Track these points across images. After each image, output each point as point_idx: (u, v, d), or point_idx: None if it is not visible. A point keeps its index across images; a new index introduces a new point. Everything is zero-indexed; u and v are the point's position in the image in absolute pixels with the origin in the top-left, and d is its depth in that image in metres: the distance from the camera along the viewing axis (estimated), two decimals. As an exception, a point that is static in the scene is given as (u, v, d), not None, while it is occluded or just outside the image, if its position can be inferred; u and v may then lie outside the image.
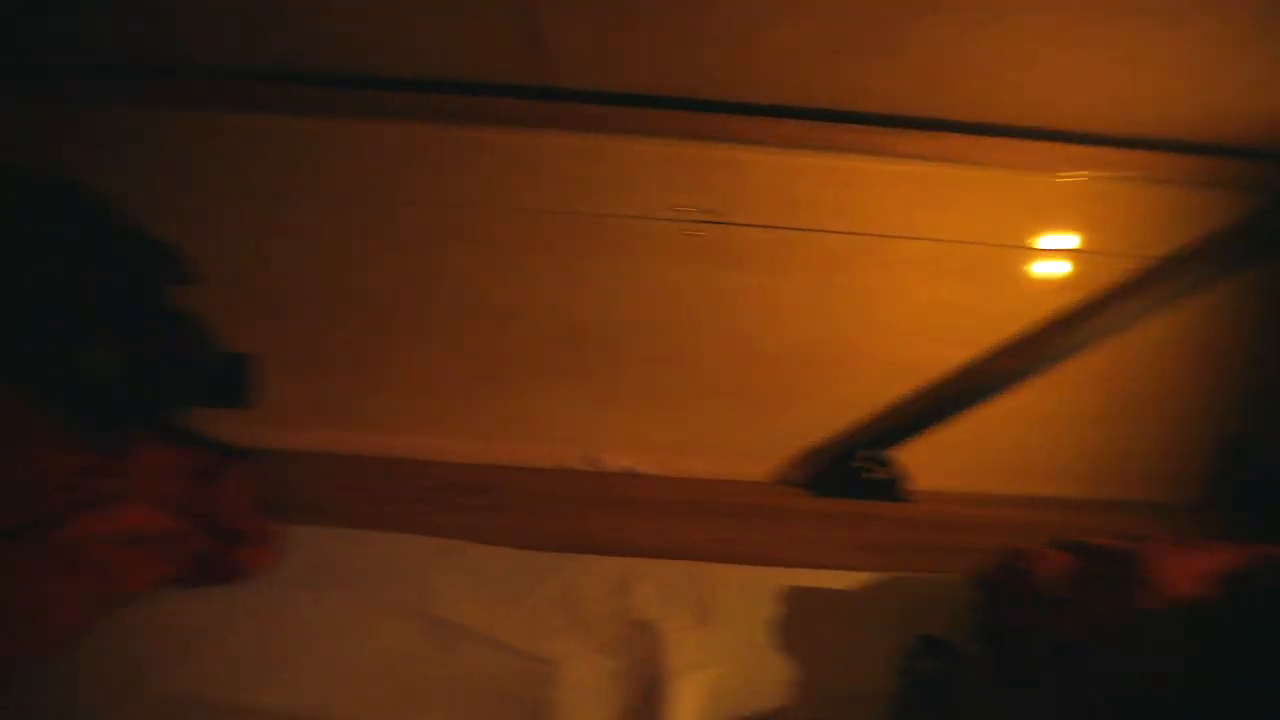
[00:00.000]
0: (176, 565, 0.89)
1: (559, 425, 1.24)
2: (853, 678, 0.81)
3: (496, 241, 1.14)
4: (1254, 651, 0.59)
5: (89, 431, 0.95)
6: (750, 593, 0.97)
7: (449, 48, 0.94)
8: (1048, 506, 1.22)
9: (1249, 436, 1.22)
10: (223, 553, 0.91)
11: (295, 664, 0.77)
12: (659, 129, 1.06)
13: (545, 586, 0.96)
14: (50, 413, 0.92)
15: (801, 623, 0.92)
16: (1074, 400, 1.20)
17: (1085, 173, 1.08)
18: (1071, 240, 1.15)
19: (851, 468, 1.21)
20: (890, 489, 1.20)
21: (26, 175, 1.07)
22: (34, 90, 1.07)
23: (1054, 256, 1.16)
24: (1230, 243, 1.10)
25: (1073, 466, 1.25)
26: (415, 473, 1.17)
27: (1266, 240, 1.10)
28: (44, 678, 0.70)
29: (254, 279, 1.16)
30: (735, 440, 1.26)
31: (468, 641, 0.83)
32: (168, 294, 1.11)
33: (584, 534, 1.08)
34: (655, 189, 1.11)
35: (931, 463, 1.22)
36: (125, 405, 1.05)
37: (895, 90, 0.97)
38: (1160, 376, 1.20)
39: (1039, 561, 0.82)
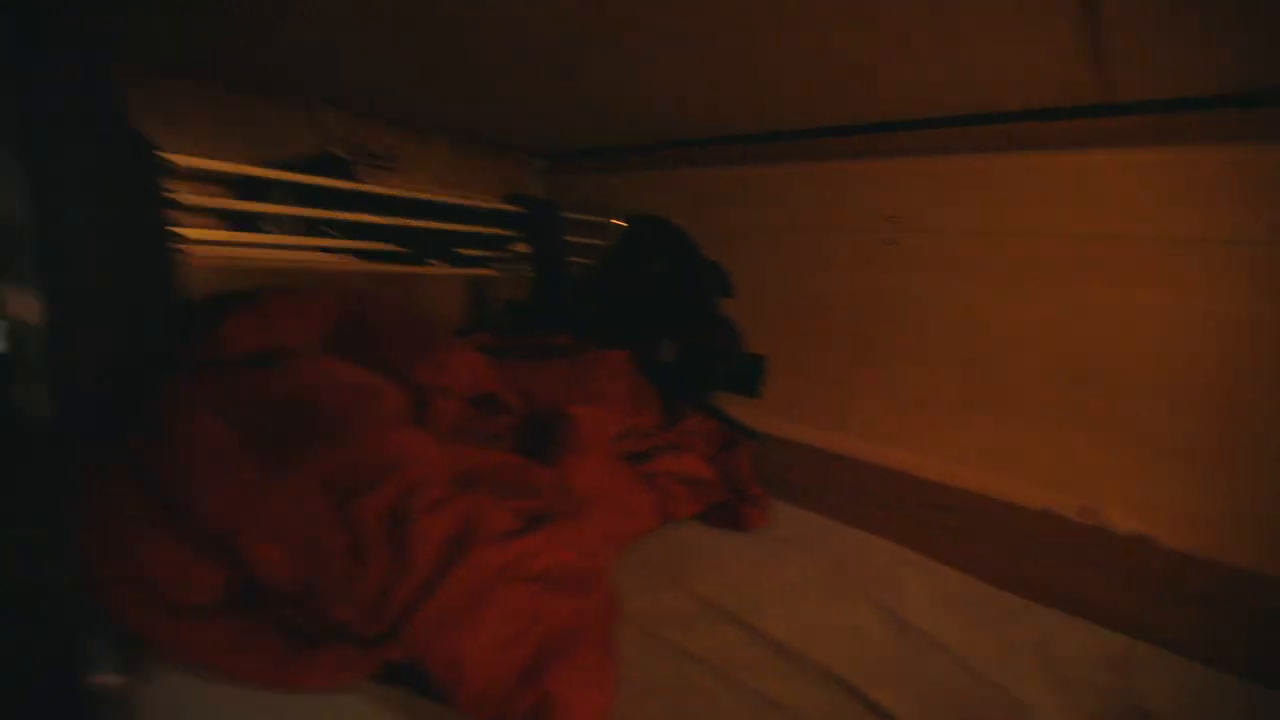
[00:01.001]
0: (704, 505, 1.20)
1: (1052, 466, 1.12)
2: None
3: (1000, 268, 1.13)
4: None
5: (665, 396, 1.37)
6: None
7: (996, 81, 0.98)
8: None
9: None
10: (735, 505, 1.18)
11: (778, 604, 0.93)
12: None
13: (1019, 629, 0.90)
14: (651, 376, 1.37)
15: None
16: None
17: None
18: None
19: None
20: None
21: (642, 218, 1.61)
22: (608, 165, 1.58)
23: None
24: None
25: None
26: (888, 480, 1.25)
27: None
28: (622, 568, 1.05)
29: (773, 296, 1.44)
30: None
31: (936, 652, 0.85)
32: (717, 304, 1.49)
33: (1070, 591, 0.97)
34: (1228, 205, 0.90)
35: None
36: (683, 383, 1.46)
37: None
38: None
39: None
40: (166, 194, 0.91)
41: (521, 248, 1.62)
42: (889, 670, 0.82)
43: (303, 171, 1.21)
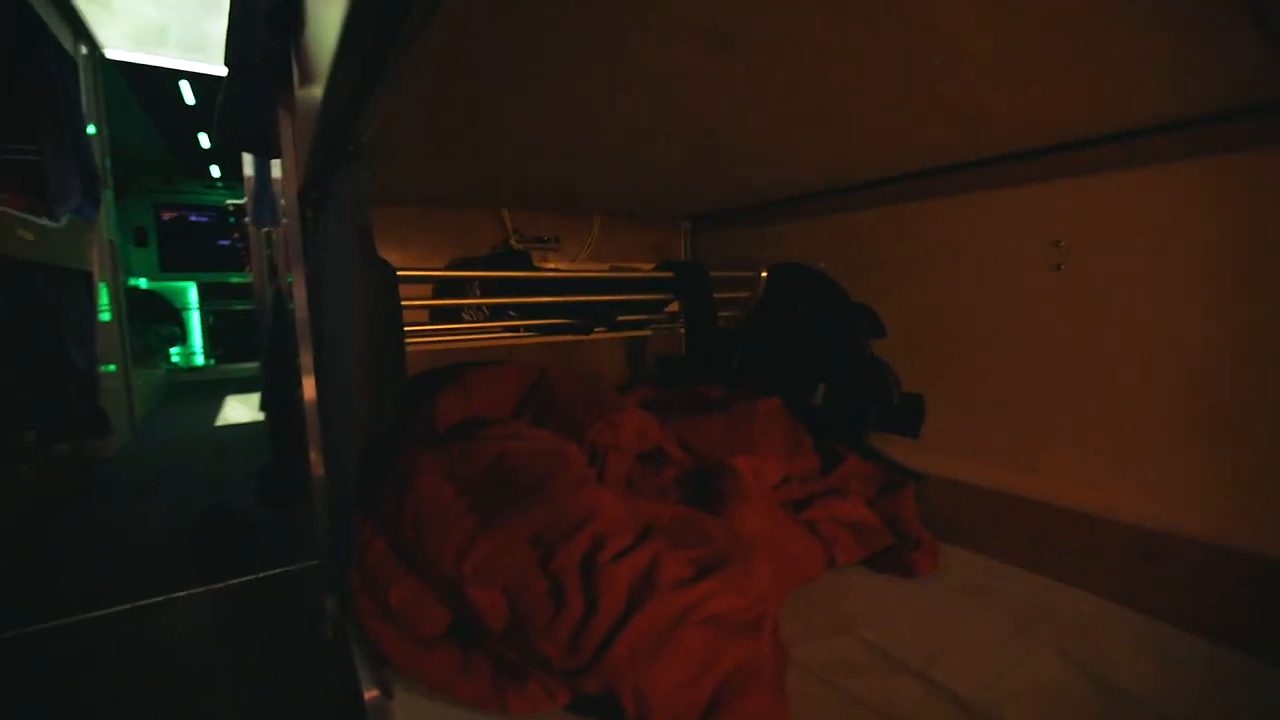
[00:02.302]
0: (869, 551, 1.19)
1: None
2: None
3: (1199, 283, 1.02)
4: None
5: (820, 440, 1.39)
6: None
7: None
8: None
9: None
10: (902, 550, 1.16)
11: (956, 655, 0.91)
12: None
13: (1249, 695, 0.80)
14: (804, 421, 1.40)
15: None
16: None
17: None
18: None
19: None
20: None
21: (784, 266, 1.66)
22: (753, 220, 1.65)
23: None
24: None
25: None
26: (1078, 524, 1.15)
27: None
28: (789, 614, 1.08)
29: (935, 332, 1.41)
30: None
31: (1147, 718, 0.78)
32: (867, 344, 1.49)
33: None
34: None
35: None
36: (837, 426, 1.47)
37: None
38: None
39: None
40: (399, 299, 1.15)
41: (674, 308, 1.75)
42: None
43: (489, 267, 1.45)
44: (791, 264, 1.65)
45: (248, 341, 6.54)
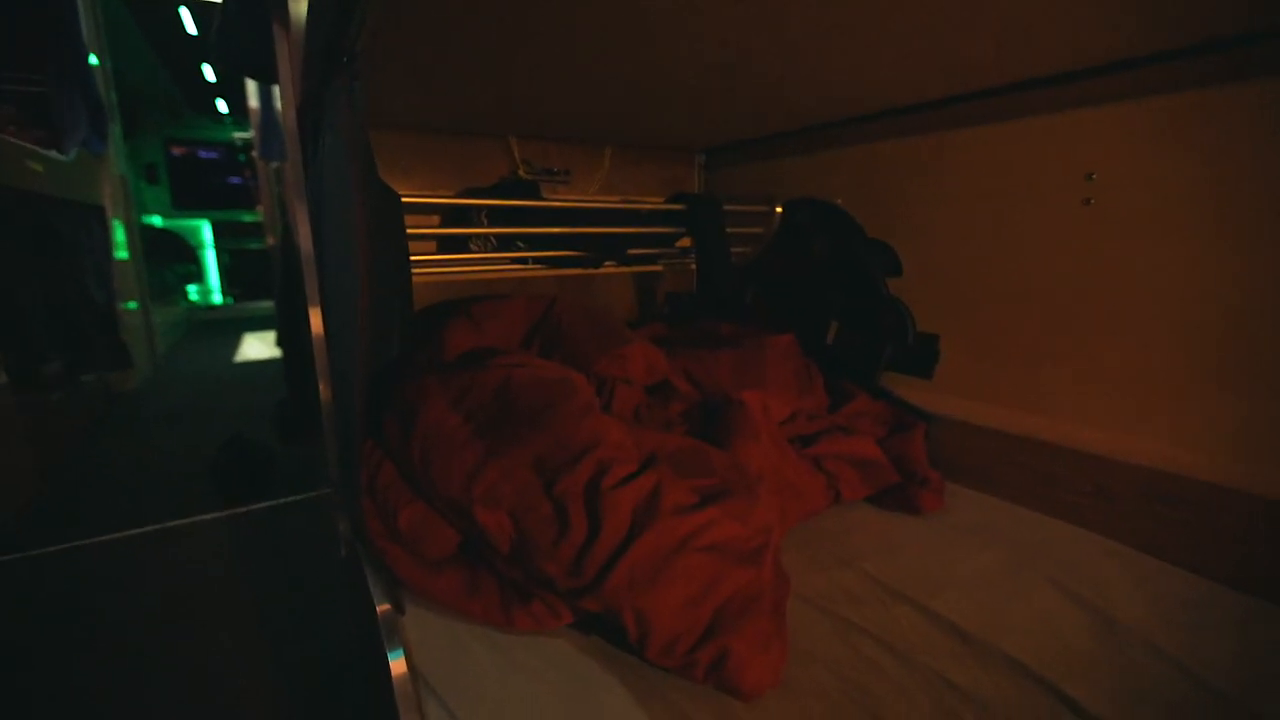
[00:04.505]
0: (875, 488, 1.19)
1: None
2: None
3: (1234, 223, 0.96)
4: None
5: (831, 379, 1.38)
6: None
7: None
8: None
9: None
10: (907, 489, 1.16)
11: (956, 588, 0.91)
12: None
13: (1262, 636, 0.80)
14: (816, 359, 1.38)
15: None
16: None
17: None
18: None
19: None
20: None
21: (800, 201, 1.60)
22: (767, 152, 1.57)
23: None
24: None
25: None
26: (1090, 466, 1.14)
27: None
28: (792, 546, 1.09)
29: (951, 270, 1.36)
30: None
31: (1148, 653, 0.78)
32: (884, 283, 1.45)
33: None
34: None
35: None
36: (849, 365, 1.45)
37: None
38: None
39: None
40: (405, 228, 1.12)
41: (685, 242, 1.71)
42: (1087, 666, 0.77)
43: (496, 196, 1.41)
44: (808, 199, 1.60)
45: (263, 280, 6.58)
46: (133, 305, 3.69)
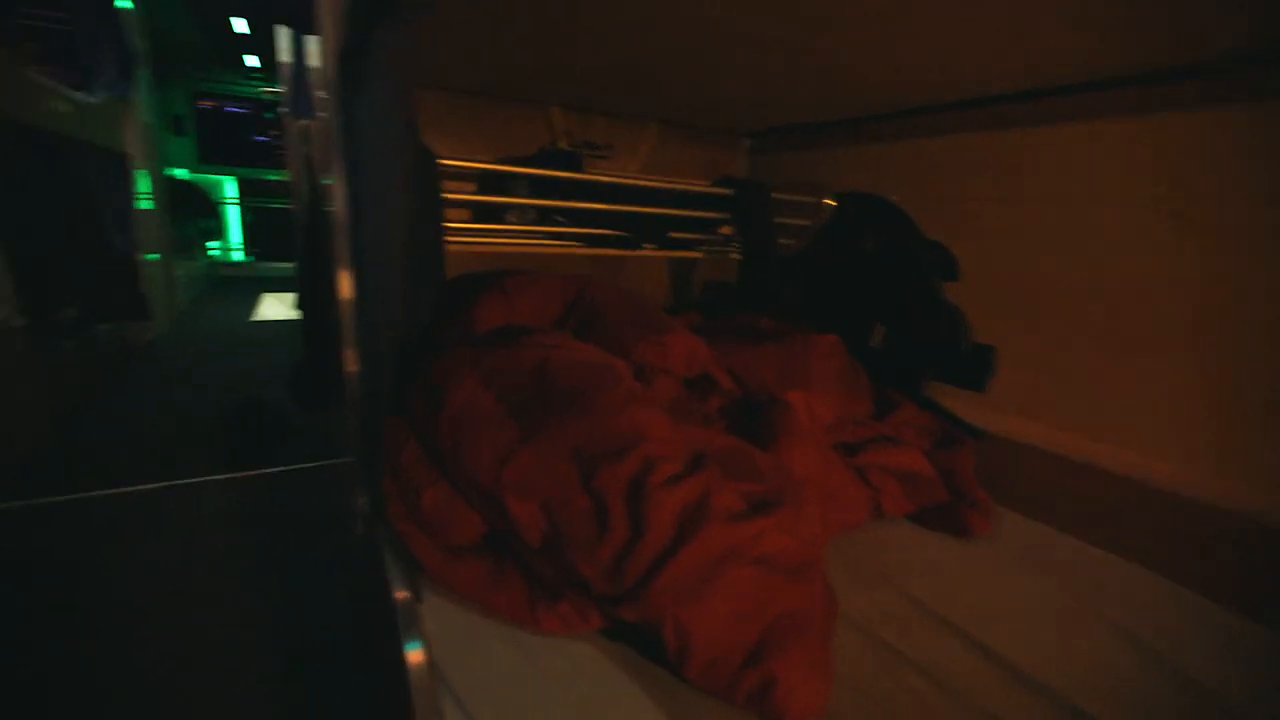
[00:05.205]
0: (919, 504, 1.12)
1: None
2: None
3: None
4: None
5: (875, 384, 1.30)
6: None
7: None
8: None
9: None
10: (956, 508, 1.09)
11: (1006, 620, 0.84)
12: None
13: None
14: (861, 364, 1.31)
15: None
16: None
17: None
18: None
19: None
20: None
21: (853, 195, 1.52)
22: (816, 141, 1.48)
23: None
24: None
25: None
26: (1157, 500, 1.06)
27: None
28: (833, 560, 1.02)
29: (1011, 278, 1.28)
30: None
31: (1213, 708, 0.72)
32: (938, 287, 1.36)
33: None
34: None
35: None
36: (895, 371, 1.37)
37: None
38: None
39: None
40: (441, 193, 1.06)
41: (728, 229, 1.63)
42: (1146, 714, 0.71)
43: (538, 165, 1.34)
44: (861, 192, 1.51)
45: (285, 240, 6.55)
46: (154, 257, 3.65)
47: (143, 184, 3.43)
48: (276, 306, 5.14)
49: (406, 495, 0.86)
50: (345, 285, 1.02)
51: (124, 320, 2.97)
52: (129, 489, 1.74)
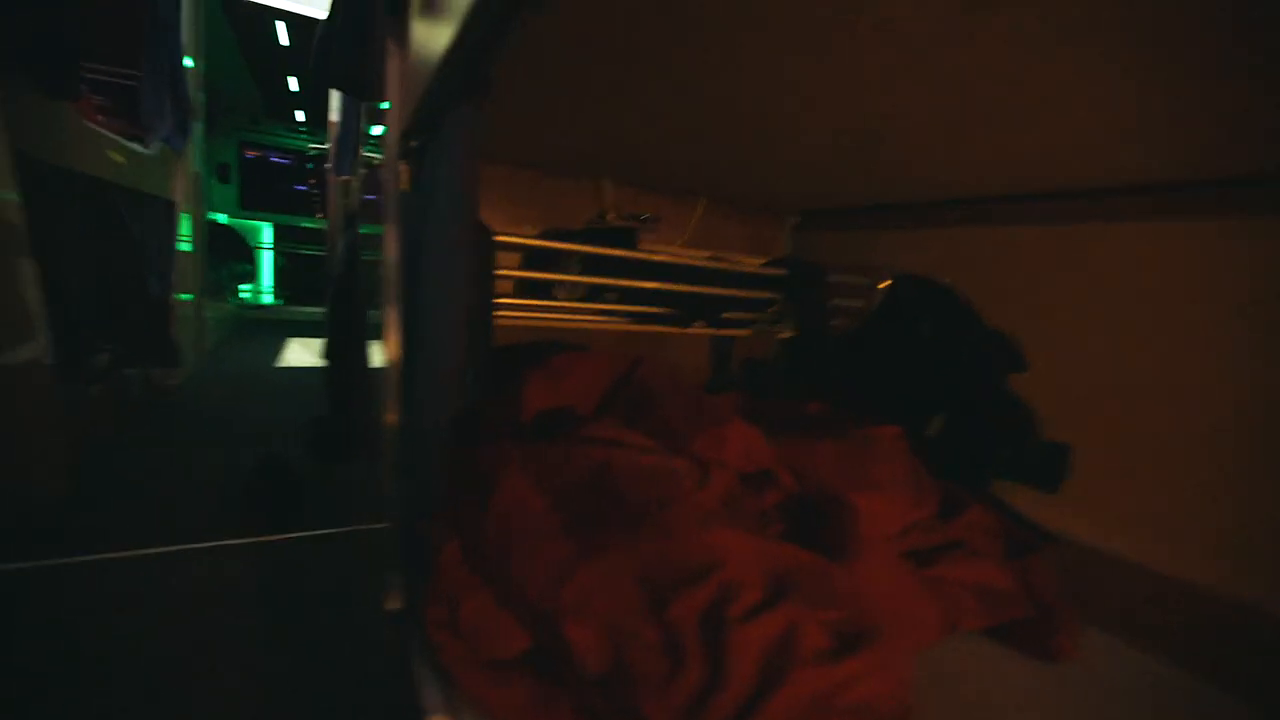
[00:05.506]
0: (996, 620, 1.01)
1: None
2: None
3: None
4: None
5: (937, 480, 1.22)
6: None
7: None
8: None
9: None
10: (1040, 627, 0.98)
11: None
12: None
13: None
14: (920, 457, 1.23)
15: None
16: None
17: None
18: None
19: None
20: None
21: (910, 278, 1.47)
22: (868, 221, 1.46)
23: None
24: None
25: None
26: (1258, 623, 0.95)
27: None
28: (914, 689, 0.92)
29: (1088, 372, 1.21)
30: None
31: None
32: (1002, 378, 1.29)
33: None
34: None
35: None
36: (955, 466, 1.28)
37: None
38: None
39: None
40: (492, 266, 1.02)
41: (776, 310, 1.59)
42: None
43: (589, 241, 1.31)
44: (918, 276, 1.46)
45: (314, 285, 6.67)
46: (188, 297, 3.70)
47: (184, 227, 3.51)
48: (301, 353, 5.17)
49: (443, 600, 0.78)
50: (392, 349, 0.98)
51: (152, 366, 2.97)
52: (125, 554, 1.66)
